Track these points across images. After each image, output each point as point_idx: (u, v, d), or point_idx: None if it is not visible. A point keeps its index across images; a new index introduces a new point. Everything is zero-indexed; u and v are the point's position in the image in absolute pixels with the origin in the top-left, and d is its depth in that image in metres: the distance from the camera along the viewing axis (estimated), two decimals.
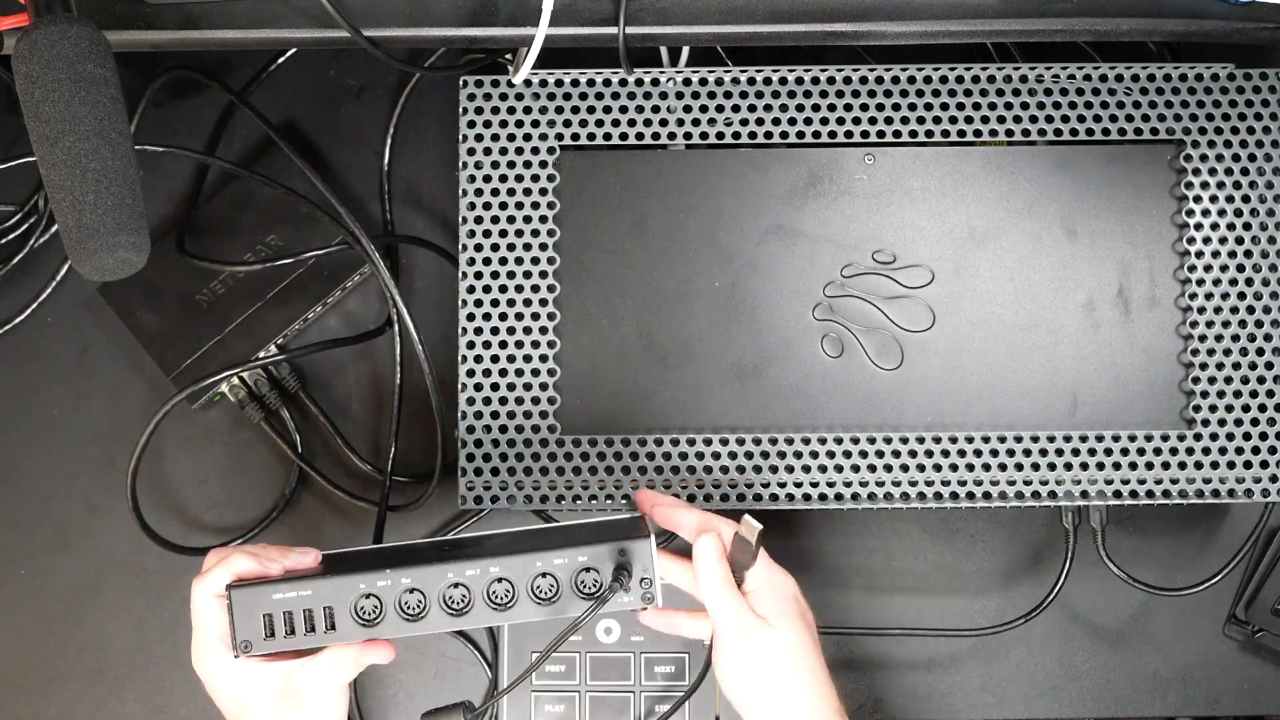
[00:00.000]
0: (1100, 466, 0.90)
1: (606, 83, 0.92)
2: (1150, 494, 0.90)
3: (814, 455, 0.90)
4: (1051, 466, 0.90)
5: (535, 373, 0.90)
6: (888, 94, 0.92)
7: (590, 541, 0.77)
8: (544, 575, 0.76)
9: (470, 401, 0.90)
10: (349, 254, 0.97)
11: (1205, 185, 0.92)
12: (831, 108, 0.92)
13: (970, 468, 0.90)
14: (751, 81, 0.92)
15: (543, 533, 0.82)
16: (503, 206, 0.91)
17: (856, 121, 0.92)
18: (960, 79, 0.92)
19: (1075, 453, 0.90)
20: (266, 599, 0.75)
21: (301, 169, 0.96)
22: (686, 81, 0.92)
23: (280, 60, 1.02)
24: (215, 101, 1.01)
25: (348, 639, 0.76)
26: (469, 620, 0.77)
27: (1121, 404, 0.91)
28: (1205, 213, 0.92)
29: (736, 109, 0.92)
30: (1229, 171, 0.92)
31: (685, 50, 0.93)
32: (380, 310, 1.01)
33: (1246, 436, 0.91)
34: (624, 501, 0.90)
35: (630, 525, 0.80)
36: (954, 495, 0.90)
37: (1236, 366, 0.91)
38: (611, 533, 0.79)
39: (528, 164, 0.92)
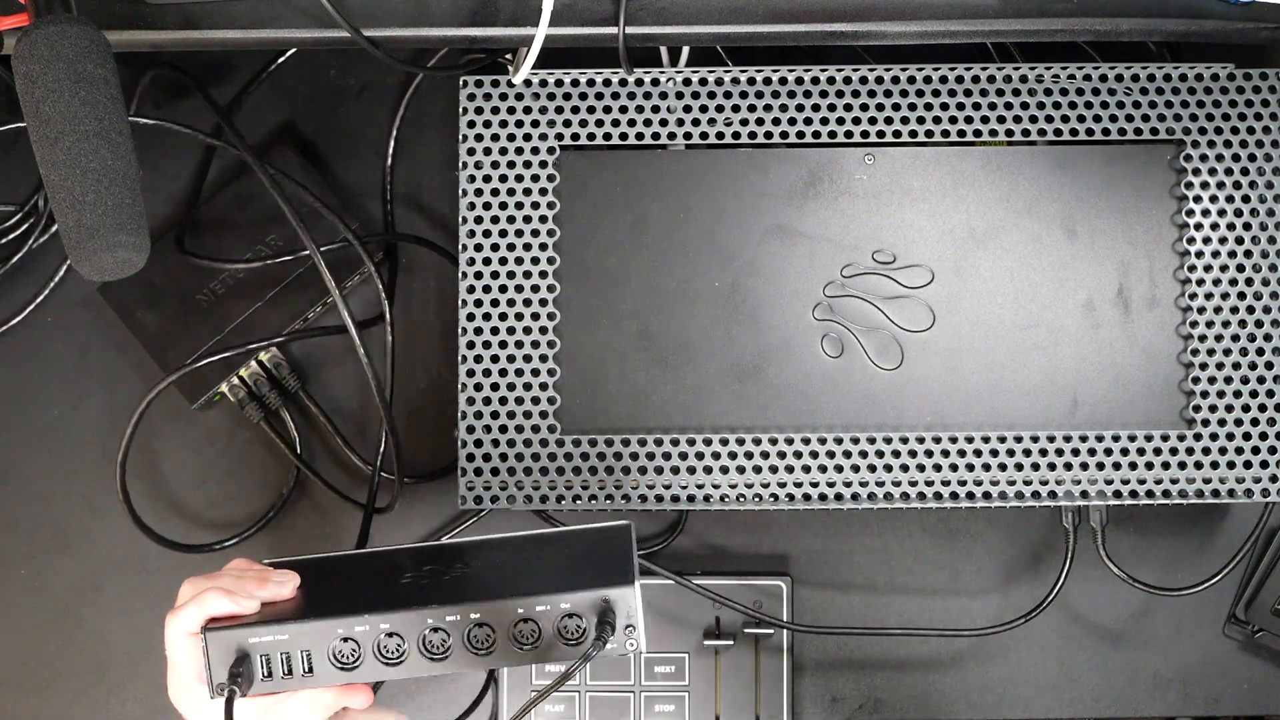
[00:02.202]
0: (1100, 466, 0.90)
1: (606, 83, 0.92)
2: (1150, 494, 0.90)
3: (814, 455, 0.90)
4: (1051, 466, 0.90)
5: (535, 373, 0.90)
6: (888, 94, 0.92)
7: (574, 584, 0.75)
8: (526, 621, 0.75)
9: (470, 401, 0.90)
10: (349, 253, 0.97)
11: (1205, 185, 0.92)
12: (831, 108, 0.92)
13: (970, 468, 0.90)
14: (751, 81, 0.92)
15: (528, 543, 0.81)
16: (503, 206, 0.91)
17: (856, 121, 0.92)
18: (960, 79, 0.92)
19: (1075, 453, 0.90)
20: (243, 643, 0.74)
21: (296, 173, 0.96)
22: (686, 81, 0.92)
23: (280, 60, 1.02)
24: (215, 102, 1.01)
25: (325, 682, 0.75)
26: (449, 665, 0.75)
27: (1121, 404, 0.91)
28: (1205, 213, 0.92)
29: (736, 109, 0.92)
30: (1229, 171, 0.92)
31: (685, 50, 0.93)
32: (380, 310, 1.01)
33: (1246, 436, 0.91)
34: (624, 502, 0.90)
35: (618, 535, 0.79)
36: (954, 495, 0.90)
37: (1236, 366, 0.91)
38: (597, 553, 0.78)
39: (528, 164, 0.92)
